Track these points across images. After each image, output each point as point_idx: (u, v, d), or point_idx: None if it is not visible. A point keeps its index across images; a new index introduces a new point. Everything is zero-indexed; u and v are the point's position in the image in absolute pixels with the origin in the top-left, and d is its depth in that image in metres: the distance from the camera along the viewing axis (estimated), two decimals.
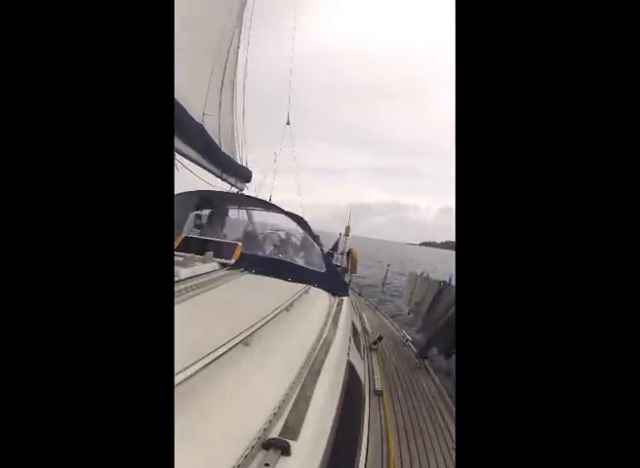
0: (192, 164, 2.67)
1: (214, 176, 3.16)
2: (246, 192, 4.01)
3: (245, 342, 1.24)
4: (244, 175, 3.89)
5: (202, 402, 0.90)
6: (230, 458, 0.72)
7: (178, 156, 2.40)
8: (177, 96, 2.01)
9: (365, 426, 1.56)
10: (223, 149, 3.16)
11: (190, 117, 2.32)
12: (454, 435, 2.79)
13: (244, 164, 4.00)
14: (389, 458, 2.36)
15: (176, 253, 2.35)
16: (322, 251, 3.18)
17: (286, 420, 0.88)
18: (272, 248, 3.46)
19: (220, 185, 3.42)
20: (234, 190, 3.77)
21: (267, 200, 4.02)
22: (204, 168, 2.86)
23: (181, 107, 2.14)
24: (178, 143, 2.30)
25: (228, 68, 3.38)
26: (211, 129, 2.76)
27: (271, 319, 1.52)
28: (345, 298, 2.50)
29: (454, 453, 2.57)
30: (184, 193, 3.14)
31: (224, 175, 3.32)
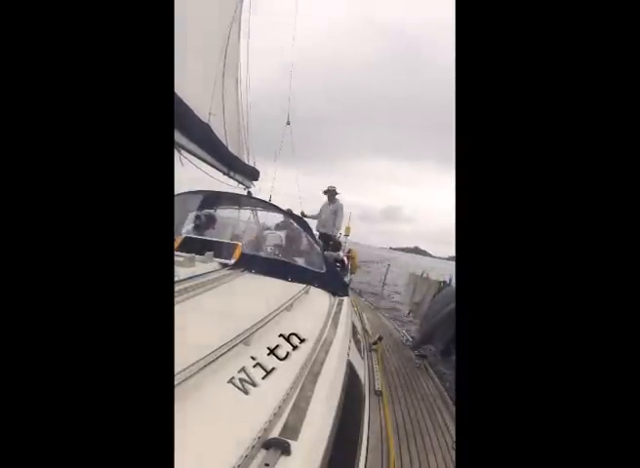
0: (204, 164, 2.70)
1: (221, 176, 3.19)
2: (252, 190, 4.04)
3: (245, 342, 1.24)
4: (251, 174, 3.91)
5: (202, 402, 0.90)
6: (230, 458, 0.72)
7: (189, 156, 2.42)
8: (182, 95, 2.01)
9: (365, 426, 1.56)
10: (230, 148, 3.17)
11: (197, 117, 2.32)
12: (454, 435, 2.79)
13: (251, 163, 4.02)
14: (389, 458, 2.36)
15: (176, 253, 2.35)
16: (322, 251, 3.18)
17: (286, 420, 0.88)
18: (272, 247, 3.46)
19: (231, 183, 3.45)
20: (241, 188, 3.80)
21: (268, 200, 4.03)
22: (212, 166, 2.89)
23: (188, 107, 2.15)
24: (186, 142, 2.31)
25: (233, 66, 3.39)
26: (218, 129, 2.77)
27: (271, 319, 1.52)
28: (345, 298, 2.50)
29: (454, 453, 2.57)
30: (185, 193, 3.14)
31: (232, 173, 3.34)
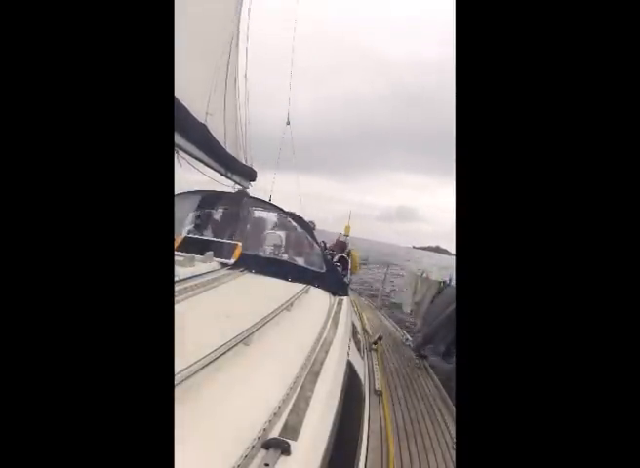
0: (203, 166, 2.72)
1: (220, 176, 3.21)
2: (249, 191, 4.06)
3: (245, 342, 1.24)
4: (249, 175, 3.92)
5: (202, 402, 0.90)
6: (230, 458, 0.72)
7: (187, 156, 2.43)
8: (179, 96, 2.01)
9: (365, 426, 1.56)
10: (228, 149, 3.18)
11: (194, 117, 2.33)
12: (454, 435, 2.79)
13: (249, 164, 4.03)
14: (389, 458, 2.37)
15: (176, 253, 2.35)
16: (322, 250, 3.19)
17: (286, 420, 0.88)
18: (272, 247, 3.46)
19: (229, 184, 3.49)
20: (238, 188, 3.82)
21: (268, 200, 4.02)
22: (209, 166, 2.90)
23: (184, 107, 2.15)
24: (184, 143, 2.31)
25: (231, 67, 3.40)
26: (216, 129, 2.78)
27: (271, 319, 1.52)
28: (345, 298, 2.50)
29: (454, 453, 2.57)
30: (185, 193, 3.14)
31: (229, 174, 3.35)
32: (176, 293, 1.58)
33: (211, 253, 2.45)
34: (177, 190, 3.09)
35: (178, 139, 2.23)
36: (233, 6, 3.33)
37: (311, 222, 4.09)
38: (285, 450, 0.75)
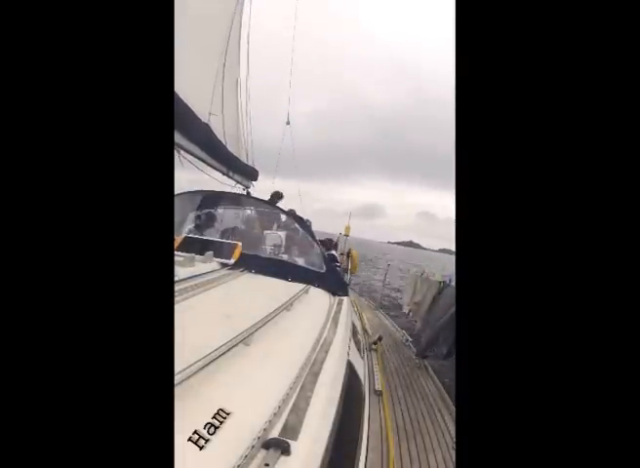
0: (203, 164, 2.73)
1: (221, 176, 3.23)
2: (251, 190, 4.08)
3: (245, 342, 1.24)
4: (250, 174, 3.93)
5: (202, 402, 0.90)
6: (230, 458, 0.72)
7: (188, 156, 2.44)
8: (182, 96, 2.01)
9: (365, 426, 1.56)
10: (230, 148, 3.18)
11: (197, 117, 2.33)
12: (454, 435, 2.79)
13: (250, 163, 4.04)
14: (389, 458, 2.37)
15: (176, 253, 2.35)
16: (322, 250, 3.18)
17: (286, 420, 0.88)
18: (272, 247, 3.46)
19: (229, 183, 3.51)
20: (239, 188, 3.83)
21: (267, 200, 4.03)
22: (211, 166, 2.90)
23: (188, 107, 2.15)
24: (185, 142, 2.31)
25: (233, 67, 3.41)
26: (217, 129, 2.79)
27: (271, 319, 1.52)
28: (345, 298, 2.50)
29: (454, 453, 2.57)
30: (184, 193, 3.14)
31: (230, 173, 3.36)
32: (176, 293, 1.58)
33: (211, 253, 2.45)
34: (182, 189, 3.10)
35: (181, 140, 2.23)
36: (233, 6, 3.33)
37: (307, 220, 4.10)
38: (285, 450, 0.75)
